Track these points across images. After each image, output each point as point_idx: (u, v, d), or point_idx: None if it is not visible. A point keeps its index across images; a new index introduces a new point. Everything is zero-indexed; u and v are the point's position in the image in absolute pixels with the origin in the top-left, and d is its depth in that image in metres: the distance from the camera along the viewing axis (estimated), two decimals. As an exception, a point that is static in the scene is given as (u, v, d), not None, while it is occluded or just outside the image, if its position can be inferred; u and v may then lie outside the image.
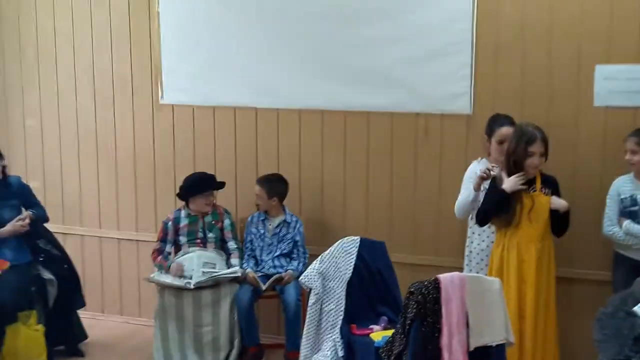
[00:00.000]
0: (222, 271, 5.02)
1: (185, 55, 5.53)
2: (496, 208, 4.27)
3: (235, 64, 5.39)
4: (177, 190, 5.28)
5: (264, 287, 4.94)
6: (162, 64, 5.58)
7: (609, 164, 4.58)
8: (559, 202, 4.25)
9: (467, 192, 4.49)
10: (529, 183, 4.26)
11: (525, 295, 4.24)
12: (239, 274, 5.00)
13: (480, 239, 4.52)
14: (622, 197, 4.39)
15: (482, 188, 4.39)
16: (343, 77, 5.13)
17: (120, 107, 5.77)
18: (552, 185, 4.32)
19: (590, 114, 4.64)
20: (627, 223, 4.30)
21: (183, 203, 5.28)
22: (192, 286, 4.88)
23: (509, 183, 4.22)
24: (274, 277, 4.98)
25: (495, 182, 4.29)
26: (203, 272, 4.95)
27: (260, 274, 5.04)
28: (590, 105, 4.64)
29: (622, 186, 4.41)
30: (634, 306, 0.95)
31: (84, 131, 5.91)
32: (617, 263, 4.50)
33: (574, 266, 4.73)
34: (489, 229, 4.49)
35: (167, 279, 4.99)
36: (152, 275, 5.09)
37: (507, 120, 4.51)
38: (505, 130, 4.44)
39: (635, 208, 4.35)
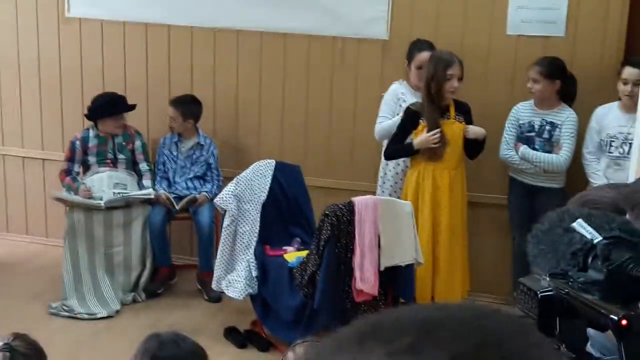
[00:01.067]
0: (134, 192, 4.94)
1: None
2: (403, 155, 4.44)
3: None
4: (85, 110, 5.11)
5: (177, 208, 4.91)
6: (69, -25, 5.31)
7: (518, 92, 4.71)
8: (476, 131, 4.37)
9: (389, 116, 4.53)
10: (443, 110, 4.35)
11: (439, 220, 4.38)
12: (152, 195, 4.95)
13: (395, 162, 4.60)
14: (521, 122, 4.55)
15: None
16: (260, -3, 5.04)
17: (23, 20, 5.48)
18: (465, 112, 4.43)
19: (503, 41, 4.73)
20: (523, 148, 4.47)
21: (91, 123, 5.12)
22: (103, 205, 4.79)
23: (420, 140, 4.29)
24: (188, 197, 4.95)
25: (409, 119, 4.35)
26: (114, 192, 4.86)
27: (173, 196, 4.99)
28: (502, 33, 4.73)
29: (521, 112, 4.56)
30: (571, 222, 1.01)
31: (-16, 44, 5.61)
32: (511, 187, 4.70)
33: (476, 191, 4.89)
34: None
35: (77, 198, 4.89)
36: (60, 194, 4.97)
37: (427, 45, 4.56)
38: (425, 56, 4.49)
39: (532, 134, 4.52)
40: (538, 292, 0.97)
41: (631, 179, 3.01)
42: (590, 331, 1.05)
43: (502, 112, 4.72)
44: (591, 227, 1.05)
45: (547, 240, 1.08)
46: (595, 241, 1.03)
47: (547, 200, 4.40)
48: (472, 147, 4.42)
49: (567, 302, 0.95)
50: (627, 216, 1.29)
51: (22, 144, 5.69)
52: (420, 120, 4.33)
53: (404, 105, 4.46)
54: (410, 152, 4.37)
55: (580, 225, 1.04)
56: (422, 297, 4.42)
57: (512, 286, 4.76)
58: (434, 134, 4.25)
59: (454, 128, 4.36)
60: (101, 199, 4.82)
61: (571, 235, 1.05)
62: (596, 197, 1.49)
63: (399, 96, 4.58)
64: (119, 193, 4.87)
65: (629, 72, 4.21)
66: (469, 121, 4.42)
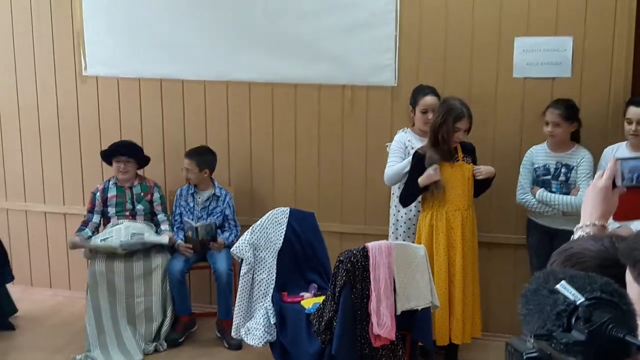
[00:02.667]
0: (151, 236, 5.04)
1: (108, 26, 5.44)
2: (414, 196, 4.50)
3: (160, 34, 5.34)
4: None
5: (198, 239, 4.99)
6: (85, 35, 5.48)
7: (526, 134, 4.78)
8: (488, 170, 4.45)
9: (398, 163, 4.62)
10: (450, 153, 4.43)
11: (454, 261, 4.43)
12: (166, 240, 5.03)
13: (407, 207, 4.67)
14: (536, 166, 4.58)
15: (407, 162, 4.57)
16: (270, 49, 5.16)
17: (42, 79, 5.66)
18: (470, 152, 4.52)
19: (510, 84, 4.82)
20: (540, 192, 4.51)
21: (112, 175, 5.25)
22: (119, 248, 4.87)
23: (424, 177, 4.38)
24: (207, 223, 5.04)
25: (419, 163, 4.45)
26: (131, 236, 4.97)
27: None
28: (509, 77, 4.81)
29: (535, 155, 4.59)
30: (556, 284, 1.07)
31: (6, 105, 5.78)
32: (529, 229, 4.72)
33: (492, 231, 4.95)
34: None
35: (94, 243, 5.00)
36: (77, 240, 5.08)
37: (430, 90, 4.66)
38: (429, 100, 4.59)
39: (548, 177, 4.55)
40: (524, 354, 1.04)
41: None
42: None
43: (511, 153, 4.80)
44: (574, 288, 1.12)
45: (534, 300, 1.15)
46: (578, 302, 1.10)
47: (563, 239, 4.43)
48: (481, 186, 4.50)
49: (550, 364, 1.02)
50: (628, 272, 1.35)
51: (44, 199, 5.83)
52: None
53: (412, 152, 4.55)
54: (418, 191, 4.44)
55: (564, 287, 1.11)
56: (440, 339, 4.47)
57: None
58: (435, 168, 4.34)
59: (464, 169, 4.44)
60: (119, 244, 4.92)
61: (556, 296, 1.12)
62: (580, 251, 1.55)
63: (406, 144, 4.67)
64: (135, 236, 4.97)
65: (633, 111, 4.26)
66: (474, 160, 4.51)
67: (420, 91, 4.68)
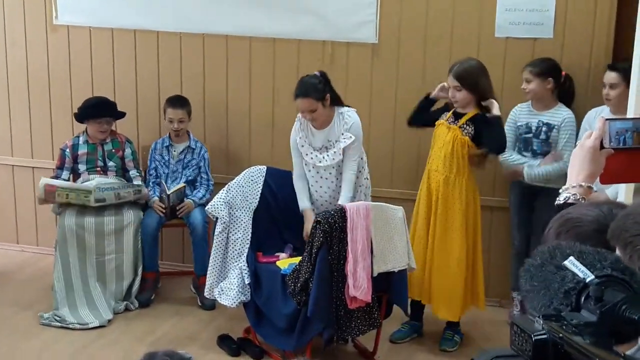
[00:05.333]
0: (125, 184, 4.95)
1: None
2: (419, 109, 4.44)
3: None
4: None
5: (170, 202, 4.89)
6: (56, -18, 5.28)
7: (507, 94, 4.71)
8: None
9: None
10: (457, 117, 4.31)
11: (433, 223, 4.35)
12: (142, 188, 4.94)
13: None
14: (519, 124, 4.56)
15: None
16: (249, 2, 5.01)
17: (11, 28, 5.45)
18: (478, 124, 4.26)
19: (492, 44, 4.73)
20: (526, 170, 4.46)
21: (82, 129, 5.10)
22: (92, 187, 4.76)
23: (436, 89, 4.37)
24: (177, 187, 4.93)
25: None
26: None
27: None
28: (491, 36, 4.73)
29: (519, 114, 4.58)
30: (563, 260, 1.00)
31: (-29, 52, 5.57)
32: (511, 187, 4.71)
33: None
34: None
35: (66, 183, 4.90)
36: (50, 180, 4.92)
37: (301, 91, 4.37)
38: (300, 104, 4.34)
39: (529, 135, 4.53)
40: (532, 335, 0.97)
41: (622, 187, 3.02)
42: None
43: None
44: (583, 264, 1.05)
45: (539, 276, 1.08)
46: (588, 280, 1.03)
47: (547, 201, 4.40)
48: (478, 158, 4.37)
49: (561, 346, 0.95)
50: (618, 253, 1.30)
51: (12, 152, 5.66)
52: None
53: None
54: (425, 101, 4.44)
55: (572, 264, 1.05)
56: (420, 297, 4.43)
57: (511, 286, 4.77)
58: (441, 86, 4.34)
59: (455, 135, 4.27)
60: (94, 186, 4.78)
61: (563, 272, 1.05)
62: (577, 216, 1.50)
63: None
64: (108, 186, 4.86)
65: (607, 76, 4.26)
66: (479, 134, 4.27)
67: (294, 93, 4.39)
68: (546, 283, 1.06)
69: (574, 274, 1.04)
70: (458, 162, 4.28)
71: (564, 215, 1.54)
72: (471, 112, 4.28)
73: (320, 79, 4.31)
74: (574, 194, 1.76)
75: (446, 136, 4.28)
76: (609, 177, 1.87)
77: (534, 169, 4.46)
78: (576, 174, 1.80)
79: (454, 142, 4.25)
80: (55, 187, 4.82)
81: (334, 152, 4.35)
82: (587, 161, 1.79)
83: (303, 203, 4.46)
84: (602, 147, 1.80)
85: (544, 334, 0.97)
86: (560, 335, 0.96)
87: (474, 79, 4.24)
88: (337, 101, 4.38)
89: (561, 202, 1.77)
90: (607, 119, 1.81)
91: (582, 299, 1.03)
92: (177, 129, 5.00)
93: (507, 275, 4.83)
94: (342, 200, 4.28)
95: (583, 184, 1.78)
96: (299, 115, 4.42)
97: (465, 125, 4.27)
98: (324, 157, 4.39)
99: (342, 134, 4.33)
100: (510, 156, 4.54)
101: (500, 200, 4.80)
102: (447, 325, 4.51)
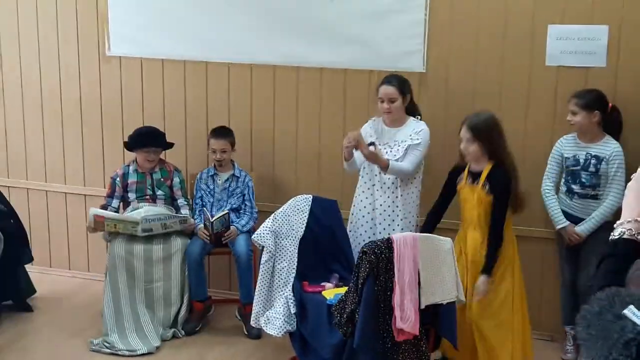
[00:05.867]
0: (172, 212, 5.00)
1: (132, 5, 5.35)
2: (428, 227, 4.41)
3: (185, 15, 5.24)
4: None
5: (213, 231, 4.89)
6: (109, 14, 5.39)
7: (559, 123, 4.63)
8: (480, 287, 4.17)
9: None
10: (474, 176, 4.19)
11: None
12: (188, 218, 4.98)
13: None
14: (566, 156, 4.47)
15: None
16: (296, 32, 5.05)
17: (66, 60, 5.59)
18: (492, 180, 4.11)
19: (542, 73, 4.67)
20: (580, 231, 4.40)
21: (132, 158, 5.18)
22: (139, 220, 4.81)
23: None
24: (222, 214, 4.92)
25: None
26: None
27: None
28: (542, 65, 4.67)
29: (565, 146, 4.49)
30: (622, 308, 0.96)
31: (28, 83, 5.71)
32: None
33: (521, 224, 4.80)
34: None
35: (114, 214, 4.95)
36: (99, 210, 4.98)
37: (387, 80, 4.47)
38: (383, 89, 4.43)
39: (577, 168, 4.43)
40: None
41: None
42: None
43: (543, 143, 4.67)
44: (643, 313, 1.01)
45: (597, 325, 1.04)
46: (648, 331, 0.99)
47: (595, 233, 4.32)
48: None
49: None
50: None
51: (65, 180, 5.78)
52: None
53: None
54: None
55: (632, 313, 1.00)
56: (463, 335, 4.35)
57: (562, 321, 4.67)
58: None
59: (478, 195, 4.14)
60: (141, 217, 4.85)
61: (623, 322, 1.00)
62: None
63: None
64: (156, 216, 4.91)
65: None
66: (495, 189, 4.10)
67: (381, 80, 4.52)
68: (605, 333, 1.02)
69: (634, 324, 1.00)
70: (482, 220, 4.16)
71: None
72: (486, 168, 4.14)
73: (408, 82, 4.47)
74: (629, 229, 1.70)
75: (473, 199, 4.17)
76: None
77: (584, 225, 4.39)
78: (632, 208, 1.74)
79: (484, 204, 4.13)
80: (104, 218, 4.90)
81: (397, 149, 4.44)
82: None
83: None
84: None
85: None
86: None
87: (489, 132, 4.10)
88: (414, 111, 4.52)
89: (616, 237, 1.71)
90: None
91: (643, 350, 0.98)
92: (220, 159, 5.05)
93: (558, 308, 4.71)
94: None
95: (639, 218, 1.72)
96: (373, 118, 4.59)
97: (486, 183, 4.12)
98: (386, 152, 4.44)
99: (410, 136, 4.42)
100: (548, 199, 4.50)
101: (552, 232, 4.70)
102: None
